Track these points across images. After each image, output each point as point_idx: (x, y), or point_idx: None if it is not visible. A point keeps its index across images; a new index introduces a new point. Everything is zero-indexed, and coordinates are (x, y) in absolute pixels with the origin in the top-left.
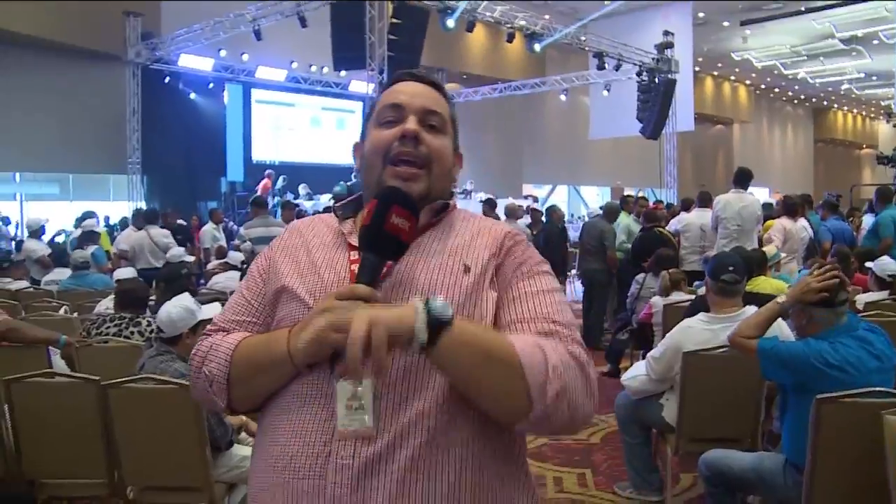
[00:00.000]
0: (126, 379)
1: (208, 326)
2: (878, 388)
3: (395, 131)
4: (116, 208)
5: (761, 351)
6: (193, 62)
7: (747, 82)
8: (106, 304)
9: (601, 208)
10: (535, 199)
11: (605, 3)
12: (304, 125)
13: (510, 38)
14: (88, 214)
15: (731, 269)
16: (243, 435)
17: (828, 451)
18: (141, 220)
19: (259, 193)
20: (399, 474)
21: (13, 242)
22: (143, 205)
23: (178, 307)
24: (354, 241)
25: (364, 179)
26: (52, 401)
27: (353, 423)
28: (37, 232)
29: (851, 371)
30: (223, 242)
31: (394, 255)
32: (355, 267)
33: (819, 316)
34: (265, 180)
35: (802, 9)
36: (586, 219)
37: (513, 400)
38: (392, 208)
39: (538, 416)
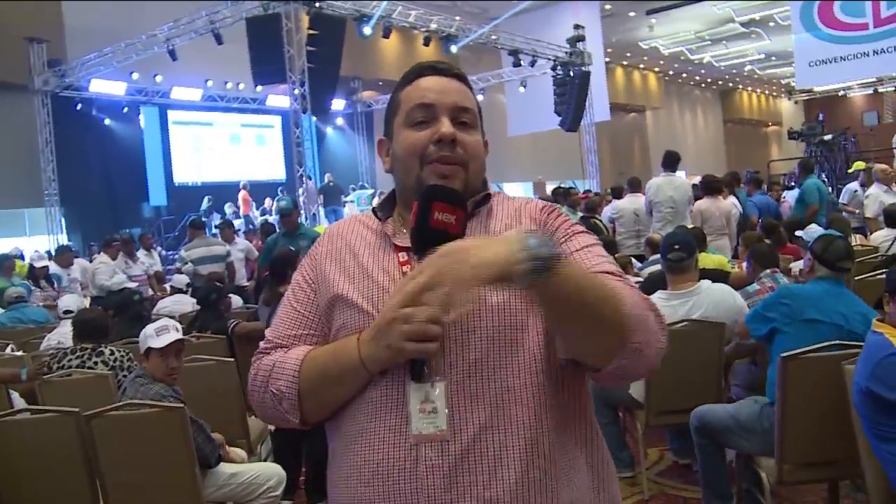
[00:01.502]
0: (108, 407)
1: (262, 344)
2: (837, 342)
3: (429, 133)
4: (34, 243)
5: (747, 319)
6: (105, 87)
7: (656, 69)
8: (55, 338)
9: None
10: None
11: (515, 1)
12: (224, 143)
13: (427, 42)
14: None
15: (676, 247)
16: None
17: (795, 401)
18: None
19: (241, 209)
20: (489, 465)
21: None
22: (63, 238)
23: (144, 330)
24: (400, 241)
25: (398, 179)
26: (26, 438)
27: (427, 428)
28: None
29: (811, 302)
30: (158, 267)
31: None
32: (406, 268)
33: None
34: (242, 192)
35: None
36: None
37: (612, 333)
38: (433, 205)
39: (631, 351)
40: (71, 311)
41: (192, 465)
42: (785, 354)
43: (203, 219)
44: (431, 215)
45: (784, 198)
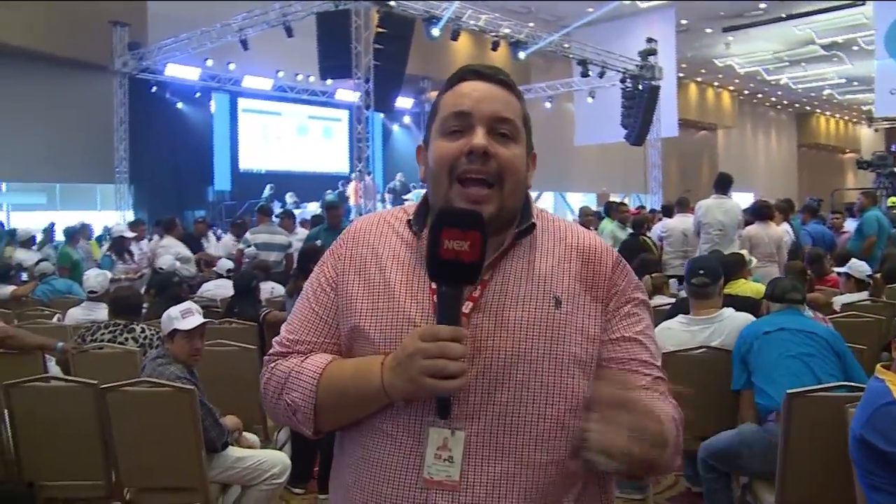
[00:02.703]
0: (123, 382)
1: (276, 345)
2: (843, 384)
3: (461, 144)
4: (104, 218)
5: (735, 382)
6: (180, 71)
7: (730, 88)
8: (75, 315)
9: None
10: None
11: (589, 10)
12: (291, 134)
13: (495, 47)
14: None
15: (700, 272)
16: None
17: (798, 438)
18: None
19: (352, 199)
20: None
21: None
22: (130, 214)
23: (168, 313)
24: None
25: (430, 190)
26: (51, 405)
27: (439, 474)
28: (27, 242)
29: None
30: (211, 251)
31: (466, 280)
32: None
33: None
34: (354, 182)
35: (783, 15)
36: None
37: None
38: (441, 233)
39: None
40: (95, 291)
41: (199, 446)
42: (791, 392)
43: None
44: (441, 244)
45: (845, 228)
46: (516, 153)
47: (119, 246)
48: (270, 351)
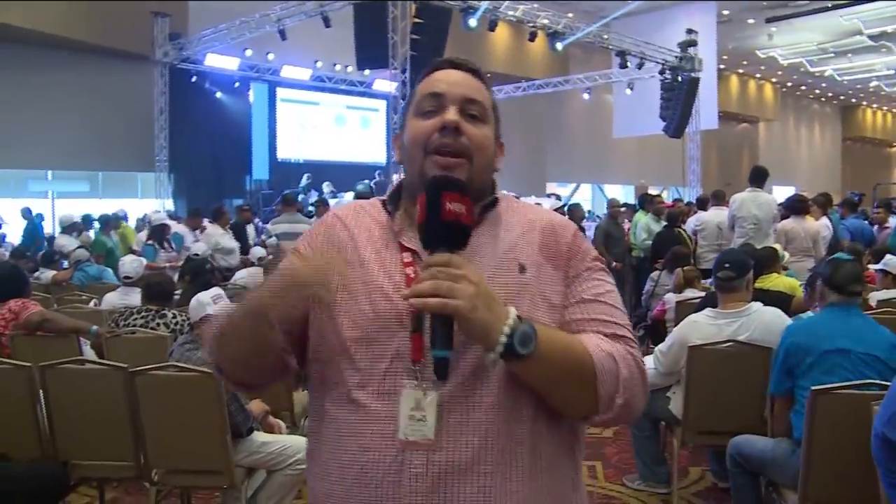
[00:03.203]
0: (152, 366)
1: None
2: (868, 381)
3: (436, 122)
4: (143, 206)
5: (774, 386)
6: (219, 61)
7: (773, 80)
8: (111, 300)
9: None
10: (558, 198)
11: (628, 1)
12: (329, 124)
13: (532, 38)
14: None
15: (726, 266)
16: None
17: (822, 436)
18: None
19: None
20: (474, 479)
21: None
22: (170, 202)
23: (200, 297)
24: (405, 240)
25: (406, 171)
26: (83, 386)
27: (414, 434)
28: (69, 228)
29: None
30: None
31: (461, 244)
32: (409, 270)
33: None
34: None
35: (829, 5)
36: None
37: (582, 406)
38: (443, 195)
39: (602, 419)
40: (130, 277)
41: (224, 431)
42: (816, 388)
43: (300, 195)
44: (443, 206)
45: (888, 223)
46: (485, 133)
47: (159, 234)
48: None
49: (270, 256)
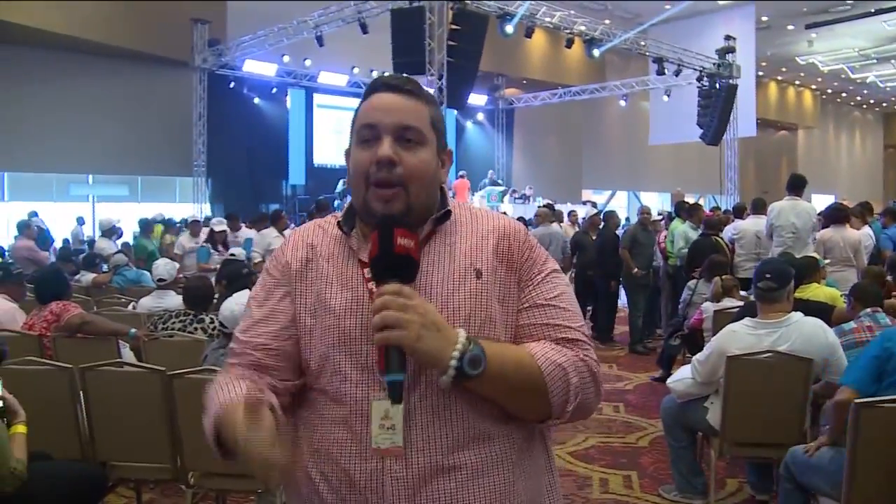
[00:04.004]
0: (189, 370)
1: (234, 342)
2: None
3: (371, 154)
4: (182, 210)
5: (849, 377)
6: (257, 67)
7: (813, 87)
8: (145, 304)
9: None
10: (594, 205)
11: (666, 7)
12: None
13: (569, 44)
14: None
15: (767, 276)
16: None
17: (867, 451)
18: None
19: (456, 197)
20: (453, 477)
21: (86, 242)
22: (207, 207)
23: (241, 304)
24: (364, 256)
25: (352, 193)
26: (122, 389)
27: (384, 442)
28: (109, 231)
29: None
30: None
31: (408, 277)
32: (371, 285)
33: None
34: (459, 179)
35: (872, 10)
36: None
37: (537, 413)
38: (395, 231)
39: (556, 423)
40: (164, 280)
41: None
42: (859, 401)
43: (336, 201)
44: (394, 241)
45: None
46: (422, 158)
47: (213, 238)
48: (230, 345)
49: None
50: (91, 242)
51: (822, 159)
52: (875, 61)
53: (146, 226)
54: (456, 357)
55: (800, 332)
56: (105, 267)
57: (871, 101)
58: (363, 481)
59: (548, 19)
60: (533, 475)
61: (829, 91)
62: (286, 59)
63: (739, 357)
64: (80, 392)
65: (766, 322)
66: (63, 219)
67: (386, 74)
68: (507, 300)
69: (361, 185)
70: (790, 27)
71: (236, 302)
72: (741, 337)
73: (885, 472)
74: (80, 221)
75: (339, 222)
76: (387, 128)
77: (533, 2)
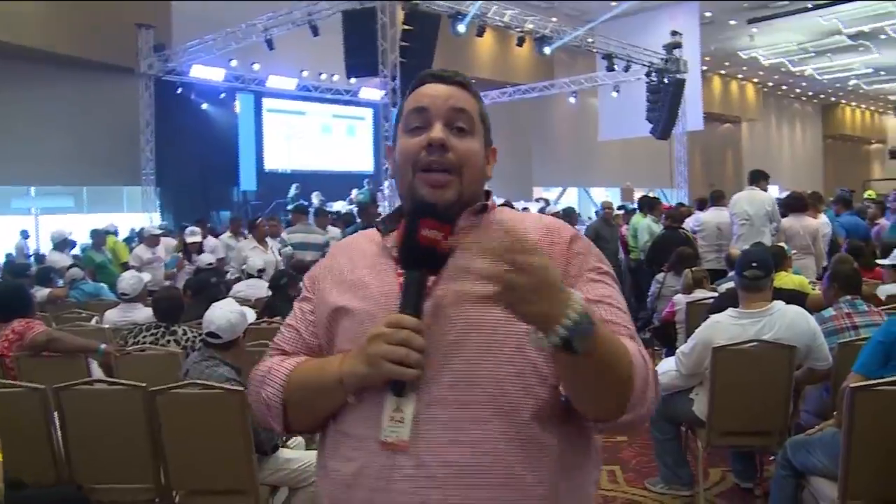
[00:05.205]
0: (173, 385)
1: (271, 348)
2: None
3: (422, 139)
4: (130, 220)
5: (861, 372)
6: (205, 73)
7: (755, 80)
8: (111, 317)
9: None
10: (547, 202)
11: (613, 4)
12: (316, 133)
13: (520, 42)
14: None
15: (754, 264)
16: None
17: (863, 435)
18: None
19: None
20: (463, 478)
21: (31, 256)
22: (157, 216)
23: (235, 312)
24: (397, 252)
25: (398, 186)
26: (100, 407)
27: (391, 435)
28: (62, 244)
29: None
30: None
31: (434, 267)
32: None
33: None
34: None
35: (809, 6)
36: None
37: (610, 404)
38: (420, 222)
39: (625, 421)
40: (126, 294)
41: (249, 448)
42: (854, 385)
43: (289, 206)
44: (419, 232)
45: (879, 220)
46: (472, 146)
47: (185, 250)
48: (269, 351)
49: (292, 260)
50: (38, 256)
51: (765, 151)
52: (813, 55)
53: (97, 237)
54: (567, 326)
55: (783, 321)
56: (60, 281)
57: (810, 94)
58: (374, 476)
59: (498, 18)
60: (575, 478)
61: (771, 84)
62: (234, 63)
63: (725, 347)
64: (55, 413)
65: (749, 312)
66: (4, 233)
67: (432, 69)
68: None
69: (408, 172)
70: (732, 22)
71: (229, 310)
72: (726, 327)
73: (880, 454)
74: (24, 235)
75: (376, 223)
76: (438, 111)
77: (484, 0)
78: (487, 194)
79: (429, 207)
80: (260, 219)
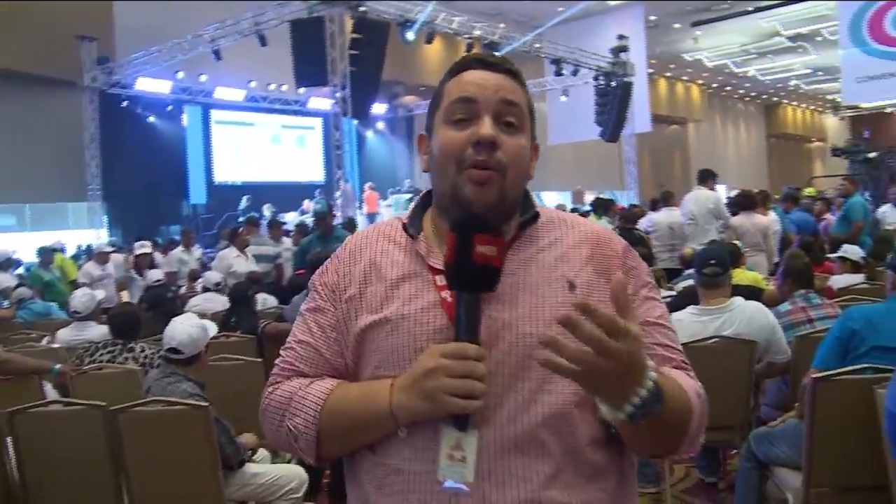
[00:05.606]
0: (135, 402)
1: (278, 369)
2: (868, 366)
3: (469, 135)
4: (77, 237)
5: (820, 367)
6: (151, 85)
7: (700, 82)
8: (64, 337)
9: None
10: None
11: (559, 9)
12: (265, 144)
13: (469, 49)
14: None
15: (712, 262)
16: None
17: (825, 424)
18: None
19: (366, 209)
20: None
21: None
22: (104, 232)
23: (196, 327)
24: (435, 261)
25: (434, 181)
26: (58, 430)
27: (452, 476)
28: (6, 263)
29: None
30: (193, 266)
31: (489, 287)
32: (445, 293)
33: None
34: (368, 191)
35: (750, 8)
36: None
37: (666, 447)
38: (474, 238)
39: (693, 446)
40: (79, 312)
41: (215, 465)
42: (816, 376)
43: (240, 218)
44: (472, 248)
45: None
46: (522, 143)
47: (136, 263)
48: (273, 372)
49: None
50: None
51: (711, 151)
52: (755, 56)
53: (45, 254)
54: (641, 396)
55: (743, 316)
56: (6, 302)
57: (754, 94)
58: None
59: (447, 25)
60: None
61: (715, 85)
62: (180, 75)
63: (687, 345)
64: (8, 439)
65: (710, 308)
66: None
67: (475, 52)
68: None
69: (451, 168)
70: (677, 25)
71: (190, 324)
72: (687, 325)
73: (842, 442)
74: None
75: (404, 224)
76: (487, 103)
77: (433, 1)
78: (528, 197)
79: (480, 220)
80: (241, 228)
